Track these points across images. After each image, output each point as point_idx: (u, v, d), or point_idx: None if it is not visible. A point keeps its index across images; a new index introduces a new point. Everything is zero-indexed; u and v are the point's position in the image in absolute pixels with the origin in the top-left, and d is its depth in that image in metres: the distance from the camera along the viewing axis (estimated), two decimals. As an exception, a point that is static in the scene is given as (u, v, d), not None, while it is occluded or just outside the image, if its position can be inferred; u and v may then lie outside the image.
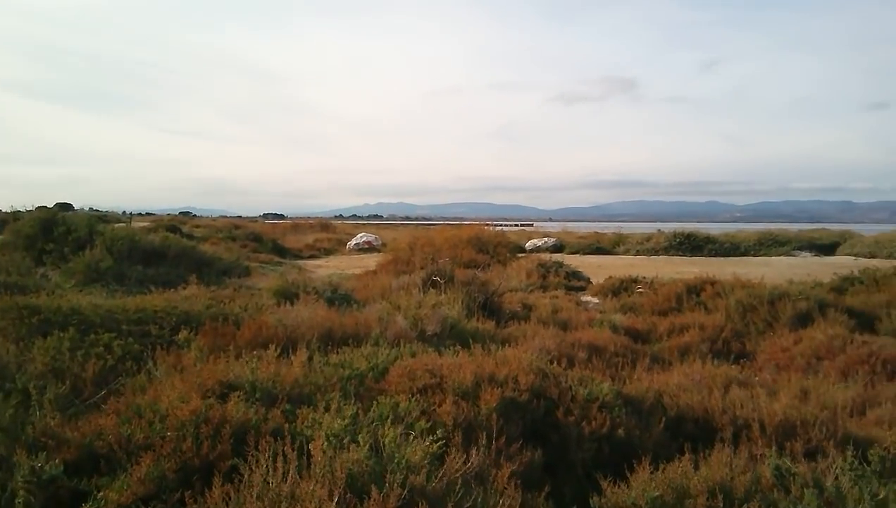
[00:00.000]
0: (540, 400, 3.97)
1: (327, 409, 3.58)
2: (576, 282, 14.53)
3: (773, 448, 3.79)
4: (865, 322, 8.82)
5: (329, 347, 5.61)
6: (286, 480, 2.53)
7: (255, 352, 5.19)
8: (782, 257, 30.16)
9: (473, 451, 3.14)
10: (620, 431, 3.78)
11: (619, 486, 3.26)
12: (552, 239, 35.67)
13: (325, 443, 2.90)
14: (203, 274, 11.02)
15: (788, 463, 3.20)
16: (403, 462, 2.69)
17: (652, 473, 3.31)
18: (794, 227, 44.03)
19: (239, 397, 3.52)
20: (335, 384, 4.33)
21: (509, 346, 6.16)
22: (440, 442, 2.96)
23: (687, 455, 3.46)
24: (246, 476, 2.56)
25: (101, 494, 2.74)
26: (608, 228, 47.10)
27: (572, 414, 3.84)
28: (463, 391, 3.98)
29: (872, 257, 28.66)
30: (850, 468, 3.01)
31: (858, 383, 6.07)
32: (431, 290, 9.28)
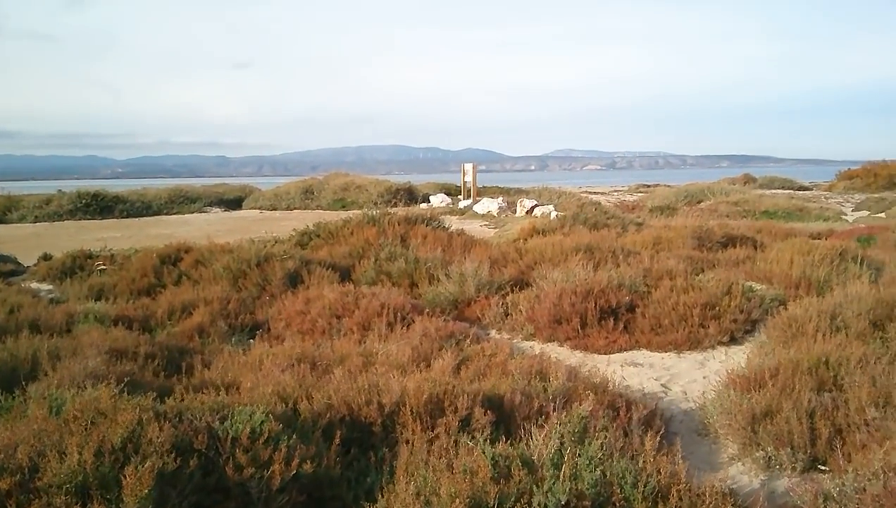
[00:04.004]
0: (191, 459, 2.81)
1: None
2: (4, 266, 11.33)
3: (429, 430, 3.69)
4: (344, 274, 9.65)
5: None
6: None
7: None
8: (197, 215, 30.72)
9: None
10: (307, 466, 3.02)
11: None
12: None
13: None
14: None
15: (497, 448, 3.13)
16: None
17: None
18: (174, 182, 43.77)
19: None
20: None
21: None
22: None
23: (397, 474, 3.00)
24: None
25: None
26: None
27: (243, 466, 2.86)
28: (77, 485, 2.49)
29: (273, 208, 31.95)
30: (560, 435, 3.14)
31: (390, 337, 6.59)
32: None
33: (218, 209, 32.82)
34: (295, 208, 30.79)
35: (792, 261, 8.85)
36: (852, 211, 24.95)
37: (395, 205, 24.87)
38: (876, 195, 29.08)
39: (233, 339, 7.17)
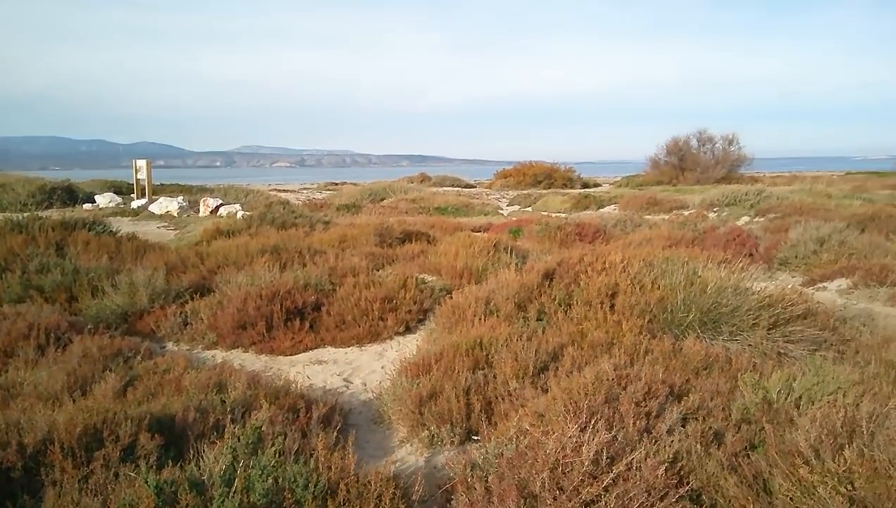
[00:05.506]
0: None
1: None
2: None
3: (84, 467, 3.31)
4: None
5: None
6: None
7: None
8: None
9: None
10: None
11: None
12: None
13: None
14: None
15: (163, 474, 2.90)
16: None
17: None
18: None
19: None
20: None
21: None
22: None
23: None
24: None
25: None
26: None
27: None
28: None
29: None
30: (233, 449, 3.02)
31: (41, 363, 5.73)
32: None
33: None
34: None
35: (457, 253, 9.88)
36: (507, 205, 28.88)
37: (51, 207, 21.61)
38: (525, 192, 34.08)
39: None
